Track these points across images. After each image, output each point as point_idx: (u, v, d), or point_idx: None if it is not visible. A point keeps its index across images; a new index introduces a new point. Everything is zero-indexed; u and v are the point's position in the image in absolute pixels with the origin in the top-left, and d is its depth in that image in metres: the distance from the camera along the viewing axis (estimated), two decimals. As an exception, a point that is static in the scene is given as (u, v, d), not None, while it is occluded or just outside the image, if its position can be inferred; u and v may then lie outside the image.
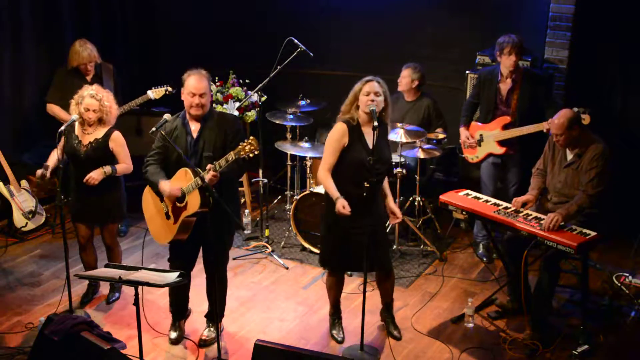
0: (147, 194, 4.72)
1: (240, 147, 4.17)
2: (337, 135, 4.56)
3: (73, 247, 5.62)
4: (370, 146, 4.48)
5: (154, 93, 6.05)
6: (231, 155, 4.22)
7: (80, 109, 4.90)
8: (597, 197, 4.77)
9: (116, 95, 5.34)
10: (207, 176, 4.26)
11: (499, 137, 5.71)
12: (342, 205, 4.46)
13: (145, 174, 4.59)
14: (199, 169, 4.34)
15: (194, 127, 4.56)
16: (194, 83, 4.46)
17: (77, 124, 4.98)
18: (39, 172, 5.52)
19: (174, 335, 4.93)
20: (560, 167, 4.96)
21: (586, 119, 5.03)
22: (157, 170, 4.55)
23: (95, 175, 4.91)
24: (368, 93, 4.47)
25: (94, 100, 4.87)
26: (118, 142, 5.01)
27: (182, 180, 4.47)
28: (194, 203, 4.43)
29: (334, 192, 4.54)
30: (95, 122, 4.96)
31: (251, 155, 4.18)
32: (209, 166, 4.30)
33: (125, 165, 5.04)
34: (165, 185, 4.47)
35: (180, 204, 4.51)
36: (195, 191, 4.39)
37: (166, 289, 4.89)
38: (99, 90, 4.95)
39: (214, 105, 6.62)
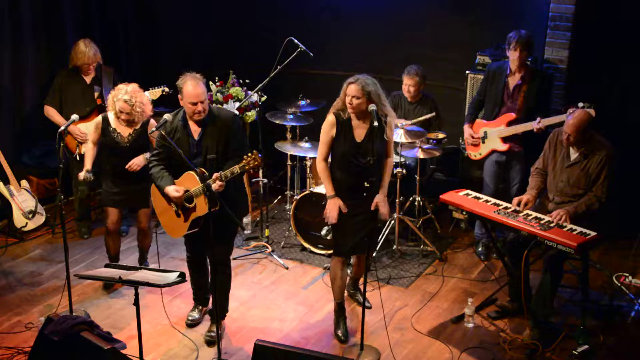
0: (156, 191, 4.78)
1: (245, 161, 4.32)
2: (326, 127, 4.75)
3: (73, 247, 5.64)
4: (359, 140, 4.62)
5: (150, 94, 6.07)
6: (237, 169, 4.34)
7: (116, 107, 5.13)
8: (606, 200, 4.80)
9: None
10: (214, 186, 4.36)
11: (503, 134, 5.71)
12: (333, 208, 4.67)
13: (150, 175, 4.69)
14: (206, 173, 4.41)
15: (194, 128, 4.62)
16: (192, 91, 4.48)
17: (113, 116, 5.19)
18: (82, 175, 5.27)
19: (192, 316, 5.10)
20: (563, 166, 4.95)
21: (591, 113, 5.02)
22: (162, 173, 4.63)
23: (138, 162, 5.21)
24: (348, 95, 4.58)
25: (127, 105, 5.10)
26: None
27: (188, 183, 4.55)
28: (202, 206, 4.52)
29: (329, 189, 4.74)
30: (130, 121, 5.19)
31: (254, 170, 4.39)
32: (215, 175, 4.36)
33: None
34: (171, 192, 4.56)
35: (189, 204, 4.59)
36: (202, 195, 4.48)
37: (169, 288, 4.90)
38: (133, 94, 5.11)
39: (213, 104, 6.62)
